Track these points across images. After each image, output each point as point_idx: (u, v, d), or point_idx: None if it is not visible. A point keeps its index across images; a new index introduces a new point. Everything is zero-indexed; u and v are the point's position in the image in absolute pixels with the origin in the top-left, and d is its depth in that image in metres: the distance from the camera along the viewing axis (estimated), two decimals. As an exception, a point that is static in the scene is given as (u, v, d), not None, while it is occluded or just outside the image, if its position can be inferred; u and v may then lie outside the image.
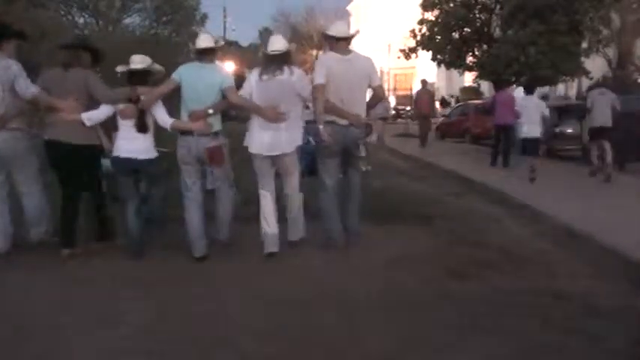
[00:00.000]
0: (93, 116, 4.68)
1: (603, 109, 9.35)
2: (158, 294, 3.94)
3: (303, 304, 3.76)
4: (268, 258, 4.69)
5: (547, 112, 9.32)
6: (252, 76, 4.70)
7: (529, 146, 9.12)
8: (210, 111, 4.56)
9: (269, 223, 4.72)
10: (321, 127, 4.61)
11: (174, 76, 4.63)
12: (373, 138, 14.84)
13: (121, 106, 4.65)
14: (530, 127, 9.13)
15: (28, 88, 4.54)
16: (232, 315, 3.59)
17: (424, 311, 3.65)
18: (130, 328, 3.39)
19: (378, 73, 4.93)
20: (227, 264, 4.59)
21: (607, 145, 9.15)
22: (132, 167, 4.66)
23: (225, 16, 46.06)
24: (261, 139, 4.66)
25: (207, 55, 4.66)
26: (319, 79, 4.62)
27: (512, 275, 4.30)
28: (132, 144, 4.63)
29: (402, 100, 35.29)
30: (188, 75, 4.61)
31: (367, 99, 5.01)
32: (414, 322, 3.48)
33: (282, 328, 3.38)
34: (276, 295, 3.91)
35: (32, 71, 4.67)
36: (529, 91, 10.13)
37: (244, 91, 4.70)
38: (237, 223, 4.93)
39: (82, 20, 24.20)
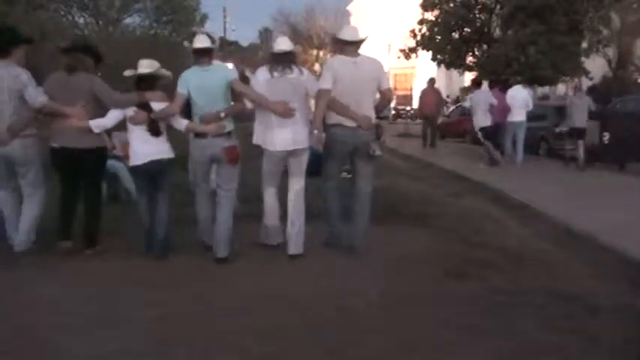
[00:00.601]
0: (101, 123, 4.67)
1: (580, 112, 10.74)
2: (158, 294, 3.93)
3: (303, 304, 3.76)
4: (271, 250, 4.72)
5: (494, 101, 11.02)
6: (261, 75, 4.69)
7: (487, 132, 10.95)
8: (222, 114, 4.57)
9: (271, 217, 4.77)
10: (315, 131, 4.64)
11: (181, 90, 4.59)
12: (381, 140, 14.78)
13: (130, 112, 4.64)
14: (482, 118, 10.89)
15: (37, 97, 4.50)
16: (232, 315, 3.59)
17: (424, 311, 3.65)
18: (130, 328, 3.39)
19: (387, 76, 4.93)
20: (227, 264, 4.58)
21: (580, 142, 10.61)
22: (152, 170, 4.64)
23: (225, 16, 46.06)
24: (282, 136, 4.64)
25: (204, 55, 4.65)
26: (325, 84, 4.60)
27: (512, 275, 4.30)
28: (148, 146, 4.61)
29: (402, 100, 35.33)
30: (193, 81, 4.59)
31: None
32: (414, 322, 3.48)
33: (282, 328, 3.37)
34: (276, 295, 3.91)
35: (33, 73, 4.64)
36: (477, 85, 11.83)
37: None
38: (235, 222, 4.92)
39: (82, 20, 24.20)
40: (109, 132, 5.15)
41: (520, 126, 11.41)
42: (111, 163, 5.82)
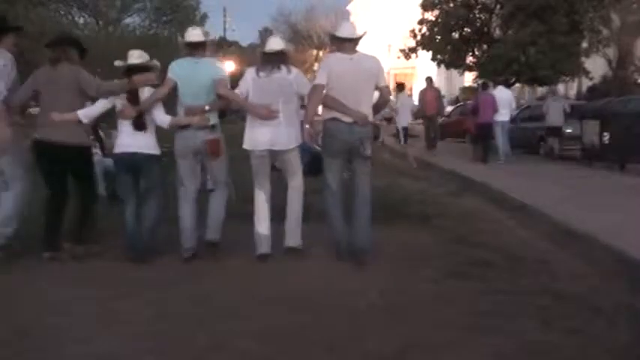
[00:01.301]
0: (89, 112, 4.66)
1: (556, 113, 12.19)
2: (158, 294, 3.93)
3: (303, 304, 3.75)
4: (260, 259, 4.68)
5: (413, 106, 13.49)
6: (249, 74, 4.70)
7: (405, 133, 12.79)
8: (207, 107, 4.58)
9: (261, 224, 4.71)
10: (307, 126, 4.62)
11: (170, 75, 4.64)
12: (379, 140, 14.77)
13: (119, 106, 4.63)
14: (404, 119, 12.77)
15: None
16: (232, 315, 3.58)
17: (424, 311, 3.65)
18: (129, 328, 3.39)
19: (385, 74, 4.90)
20: (226, 264, 4.59)
21: (555, 139, 12.33)
22: (134, 162, 4.63)
23: (225, 16, 46.10)
24: (260, 136, 4.63)
25: (198, 49, 4.67)
26: (320, 79, 4.60)
27: (512, 275, 4.29)
28: (133, 138, 4.62)
29: (401, 100, 35.24)
30: (182, 71, 4.63)
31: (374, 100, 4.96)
32: (414, 322, 3.48)
33: (281, 328, 3.37)
34: (276, 295, 3.91)
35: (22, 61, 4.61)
36: (401, 90, 13.51)
37: (240, 89, 4.70)
38: (234, 221, 4.91)
39: (81, 20, 24.21)
40: (108, 132, 5.16)
41: (504, 126, 11.76)
42: (110, 162, 5.81)
